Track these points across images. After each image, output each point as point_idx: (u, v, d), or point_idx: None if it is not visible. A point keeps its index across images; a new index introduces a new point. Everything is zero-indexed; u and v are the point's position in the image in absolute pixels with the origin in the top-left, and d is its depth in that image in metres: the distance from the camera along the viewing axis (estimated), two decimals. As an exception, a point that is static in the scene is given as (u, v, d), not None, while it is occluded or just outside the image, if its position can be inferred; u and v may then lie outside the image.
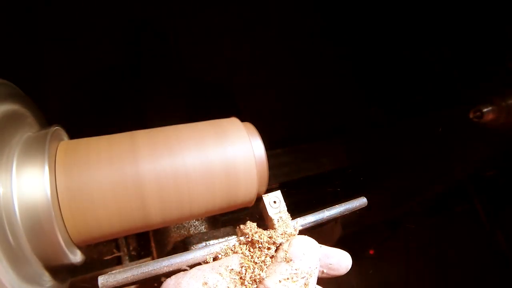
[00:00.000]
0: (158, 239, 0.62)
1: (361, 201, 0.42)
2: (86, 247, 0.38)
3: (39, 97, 0.42)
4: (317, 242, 0.36)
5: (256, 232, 0.36)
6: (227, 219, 0.80)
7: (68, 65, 0.85)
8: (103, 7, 0.84)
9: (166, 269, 0.32)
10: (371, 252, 1.54)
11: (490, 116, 0.75)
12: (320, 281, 0.37)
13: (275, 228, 0.36)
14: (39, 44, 0.80)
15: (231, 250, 0.35)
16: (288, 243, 0.35)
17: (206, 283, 0.31)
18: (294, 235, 0.37)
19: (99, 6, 0.83)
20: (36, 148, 0.33)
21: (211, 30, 0.99)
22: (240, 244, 0.36)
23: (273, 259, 0.34)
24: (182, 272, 0.33)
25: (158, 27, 0.86)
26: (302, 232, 0.38)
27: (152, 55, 0.83)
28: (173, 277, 0.32)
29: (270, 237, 0.36)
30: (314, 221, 0.38)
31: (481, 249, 1.30)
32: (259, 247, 0.35)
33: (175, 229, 0.60)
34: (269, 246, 0.35)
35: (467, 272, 1.34)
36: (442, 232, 1.42)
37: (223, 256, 0.35)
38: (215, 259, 0.35)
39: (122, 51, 0.84)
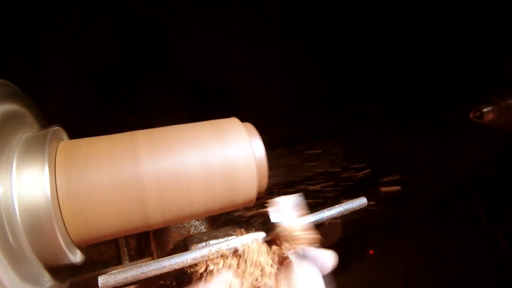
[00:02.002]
0: (158, 239, 0.62)
1: (361, 201, 0.42)
2: (86, 247, 0.38)
3: (39, 97, 0.42)
4: (318, 271, 0.35)
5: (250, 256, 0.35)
6: (227, 219, 0.80)
7: (68, 65, 0.85)
8: (103, 7, 0.84)
9: (166, 269, 0.32)
10: (371, 252, 1.54)
11: (490, 116, 0.75)
12: None
13: (277, 244, 0.36)
14: (39, 44, 0.80)
15: (222, 258, 0.35)
16: (289, 271, 0.34)
17: None
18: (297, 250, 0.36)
19: (99, 6, 0.83)
20: (36, 148, 0.33)
21: (211, 30, 0.99)
22: (233, 256, 0.36)
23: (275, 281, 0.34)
24: None
25: (158, 27, 0.86)
26: (301, 232, 0.38)
27: (152, 55, 0.83)
28: None
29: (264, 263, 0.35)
30: (314, 221, 0.38)
31: (481, 249, 1.30)
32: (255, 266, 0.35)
33: (175, 229, 0.60)
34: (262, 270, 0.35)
35: (467, 272, 1.34)
36: (442, 232, 1.42)
37: (215, 266, 0.34)
38: (206, 269, 0.34)
39: (122, 51, 0.84)
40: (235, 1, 0.98)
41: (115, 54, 0.88)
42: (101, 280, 0.30)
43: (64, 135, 0.40)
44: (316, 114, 1.19)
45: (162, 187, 0.35)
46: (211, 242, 0.45)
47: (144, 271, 0.31)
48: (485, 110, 0.75)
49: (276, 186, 0.97)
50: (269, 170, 0.43)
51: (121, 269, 0.31)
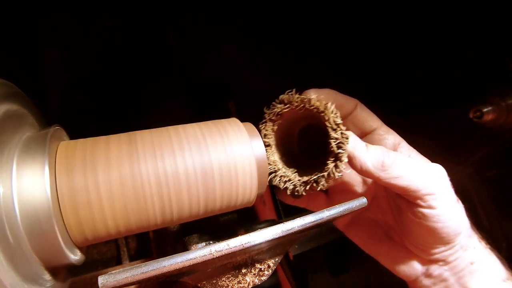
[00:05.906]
0: (158, 239, 0.62)
1: (361, 201, 0.42)
2: (86, 247, 0.38)
3: (39, 97, 0.42)
4: None
5: None
6: (227, 219, 0.80)
7: (67, 65, 0.85)
8: (103, 7, 0.84)
9: (166, 269, 0.32)
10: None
11: (490, 116, 0.75)
12: None
13: None
14: (39, 44, 0.80)
15: None
16: None
17: None
18: None
19: (99, 6, 0.83)
20: (36, 148, 0.33)
21: (211, 30, 0.99)
22: None
23: None
24: None
25: (158, 27, 0.86)
26: (302, 231, 0.38)
27: (152, 55, 0.83)
28: None
29: None
30: (314, 221, 0.38)
31: (481, 249, 1.30)
32: None
33: (175, 229, 0.60)
34: None
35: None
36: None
37: None
38: None
39: (122, 51, 0.84)
40: (235, 1, 0.98)
41: (115, 54, 0.88)
42: (101, 280, 0.30)
43: (64, 135, 0.40)
44: (316, 114, 1.18)
45: (161, 188, 0.35)
46: (211, 242, 0.45)
47: (144, 271, 0.31)
48: (485, 110, 0.75)
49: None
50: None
51: (121, 269, 0.31)
